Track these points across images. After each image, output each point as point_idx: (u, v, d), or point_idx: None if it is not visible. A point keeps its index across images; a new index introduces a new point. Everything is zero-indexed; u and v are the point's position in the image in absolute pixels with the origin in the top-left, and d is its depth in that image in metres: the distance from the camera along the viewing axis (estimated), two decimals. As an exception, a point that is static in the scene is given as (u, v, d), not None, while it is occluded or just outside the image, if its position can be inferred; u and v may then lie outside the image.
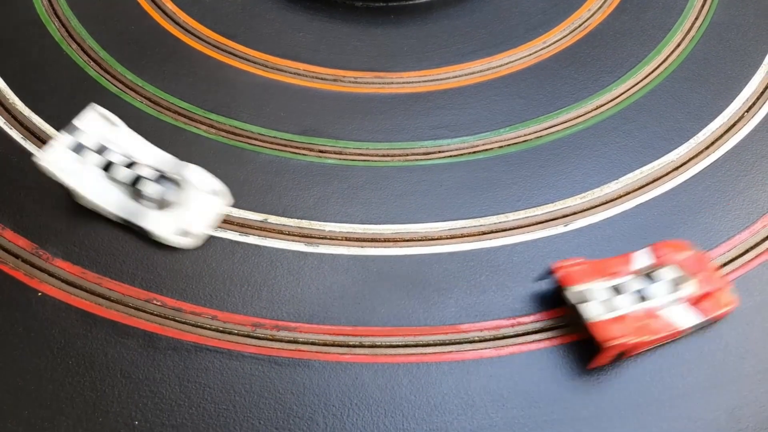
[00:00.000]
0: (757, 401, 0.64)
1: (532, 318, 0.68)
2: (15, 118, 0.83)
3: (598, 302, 0.64)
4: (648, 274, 0.66)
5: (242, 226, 0.74)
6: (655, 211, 0.76)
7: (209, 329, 0.67)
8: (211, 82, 0.86)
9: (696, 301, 0.65)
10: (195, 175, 0.72)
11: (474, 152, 0.81)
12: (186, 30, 0.92)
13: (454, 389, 0.64)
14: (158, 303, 0.69)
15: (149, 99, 0.85)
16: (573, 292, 0.65)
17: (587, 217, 0.75)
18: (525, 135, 0.82)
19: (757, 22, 0.92)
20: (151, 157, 0.74)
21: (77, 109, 0.83)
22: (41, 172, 0.72)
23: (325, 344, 0.66)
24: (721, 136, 0.82)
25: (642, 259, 0.66)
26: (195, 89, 0.85)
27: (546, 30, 0.93)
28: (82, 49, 0.89)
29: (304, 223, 0.75)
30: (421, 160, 0.80)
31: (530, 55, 0.90)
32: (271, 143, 0.81)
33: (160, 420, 0.62)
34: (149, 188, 0.70)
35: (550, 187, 0.77)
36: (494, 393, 0.64)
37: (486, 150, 0.81)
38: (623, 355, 0.64)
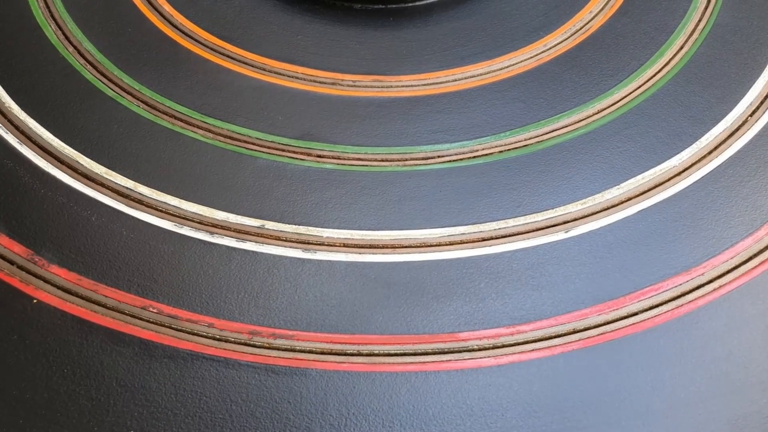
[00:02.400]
0: (760, 412, 0.63)
1: (532, 326, 0.67)
2: (11, 122, 0.82)
3: None
4: None
5: (239, 232, 0.74)
6: (658, 217, 0.75)
7: (206, 337, 0.67)
8: (208, 85, 0.86)
9: None
10: None
11: (473, 157, 0.80)
12: (183, 33, 0.92)
13: (452, 398, 0.63)
14: (154, 310, 0.68)
15: (146, 103, 0.84)
16: None
17: (588, 223, 0.75)
18: (525, 139, 0.82)
19: (761, 25, 0.91)
20: None
21: (73, 113, 0.83)
22: (38, 177, 0.71)
23: (322, 352, 0.66)
24: (725, 140, 0.81)
25: None
26: (192, 93, 0.85)
27: (546, 33, 0.92)
28: (79, 53, 0.89)
29: (302, 229, 0.74)
30: (420, 164, 0.79)
31: (530, 58, 0.89)
32: (269, 148, 0.81)
33: (156, 429, 0.62)
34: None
35: (550, 193, 0.77)
36: (493, 402, 0.63)
37: (486, 155, 0.80)
38: None
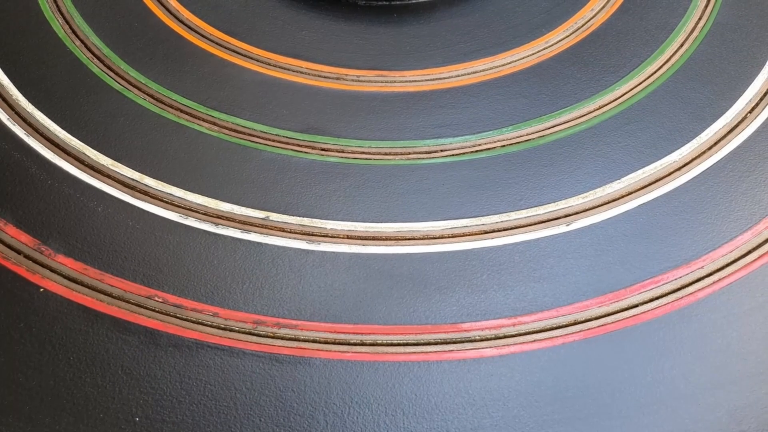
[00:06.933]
0: (759, 402, 0.64)
1: (533, 317, 0.68)
2: (18, 114, 0.83)
3: None
4: None
5: (244, 223, 0.74)
6: (658, 211, 0.75)
7: (210, 326, 0.67)
8: (214, 79, 0.87)
9: None
10: None
11: (476, 151, 0.81)
12: (189, 27, 0.93)
13: (454, 388, 0.64)
14: (159, 300, 0.69)
15: (152, 96, 0.85)
16: None
17: (589, 216, 0.75)
18: (527, 134, 0.82)
19: (761, 23, 0.92)
20: None
21: (80, 105, 0.84)
22: (45, 169, 0.72)
23: (326, 342, 0.67)
24: (724, 136, 0.82)
25: None
26: (197, 87, 0.86)
27: (548, 30, 0.93)
28: (86, 46, 0.90)
29: (306, 221, 0.75)
30: (423, 158, 0.80)
31: (533, 54, 0.90)
32: (273, 141, 0.81)
33: (160, 416, 0.62)
34: None
35: (552, 187, 0.77)
36: (495, 392, 0.64)
37: (488, 149, 0.81)
38: None
